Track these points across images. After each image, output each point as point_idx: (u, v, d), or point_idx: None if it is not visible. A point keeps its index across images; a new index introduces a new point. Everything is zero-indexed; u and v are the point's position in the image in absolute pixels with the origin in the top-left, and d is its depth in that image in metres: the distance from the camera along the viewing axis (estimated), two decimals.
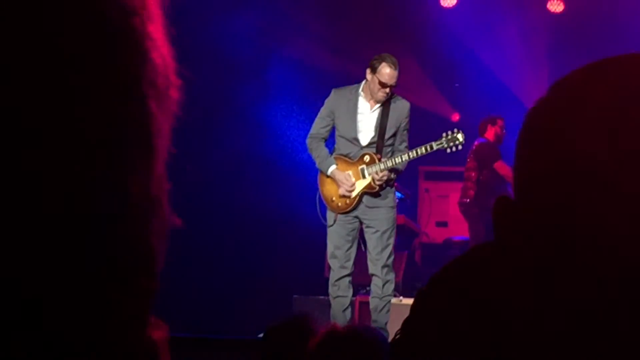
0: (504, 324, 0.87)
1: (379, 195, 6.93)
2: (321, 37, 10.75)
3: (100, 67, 0.59)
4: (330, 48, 10.74)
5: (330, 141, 7.15)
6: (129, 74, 0.61)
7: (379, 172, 6.81)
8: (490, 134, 9.61)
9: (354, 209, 6.93)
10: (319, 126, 7.06)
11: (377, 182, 6.83)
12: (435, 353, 0.91)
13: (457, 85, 11.48)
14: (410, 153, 6.85)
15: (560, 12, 11.05)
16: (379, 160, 6.85)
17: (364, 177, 6.88)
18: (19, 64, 0.57)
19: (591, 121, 0.88)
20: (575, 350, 0.85)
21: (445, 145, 6.96)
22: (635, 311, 0.83)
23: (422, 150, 6.87)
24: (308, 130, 7.23)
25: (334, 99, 6.99)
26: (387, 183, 6.92)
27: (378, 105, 6.88)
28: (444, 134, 7.00)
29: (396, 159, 6.82)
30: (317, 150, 7.04)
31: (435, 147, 6.93)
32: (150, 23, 0.63)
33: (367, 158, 6.89)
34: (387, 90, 6.75)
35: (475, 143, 9.62)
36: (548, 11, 11.06)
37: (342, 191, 6.90)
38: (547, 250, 0.87)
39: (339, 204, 6.96)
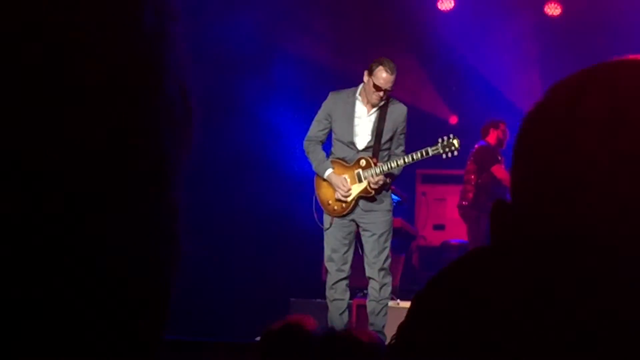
0: (501, 327, 0.87)
1: (375, 200, 6.93)
2: (321, 37, 10.75)
3: (113, 96, 0.59)
4: (330, 48, 10.74)
5: (327, 144, 7.14)
6: (142, 105, 0.60)
7: (374, 176, 6.80)
8: (492, 137, 9.62)
9: (350, 212, 6.94)
10: (316, 129, 7.06)
11: (373, 186, 6.83)
12: (432, 356, 0.91)
13: (454, 88, 11.49)
14: (405, 158, 6.85)
15: (558, 16, 11.06)
16: (375, 164, 6.85)
17: (360, 181, 6.88)
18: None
19: (588, 124, 0.88)
20: (575, 352, 0.85)
21: (441, 151, 6.96)
22: (636, 310, 0.83)
23: (417, 155, 6.87)
24: (305, 127, 7.24)
25: (331, 102, 6.99)
26: (383, 187, 6.91)
27: (375, 109, 6.88)
28: (440, 140, 6.99)
29: (392, 164, 6.82)
30: (313, 153, 7.04)
31: (431, 153, 6.92)
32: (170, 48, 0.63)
33: (363, 162, 6.89)
34: (382, 94, 6.75)
35: (476, 146, 9.63)
36: (545, 14, 11.07)
37: (338, 195, 6.90)
38: (544, 254, 0.87)
39: (335, 208, 6.96)
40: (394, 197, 7.30)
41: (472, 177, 9.60)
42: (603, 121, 0.87)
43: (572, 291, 0.85)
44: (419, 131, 7.67)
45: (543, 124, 0.93)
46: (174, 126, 0.63)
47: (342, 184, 6.87)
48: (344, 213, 6.93)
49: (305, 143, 7.11)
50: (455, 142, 6.98)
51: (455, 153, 7.03)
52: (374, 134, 6.88)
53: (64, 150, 0.56)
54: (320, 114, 7.05)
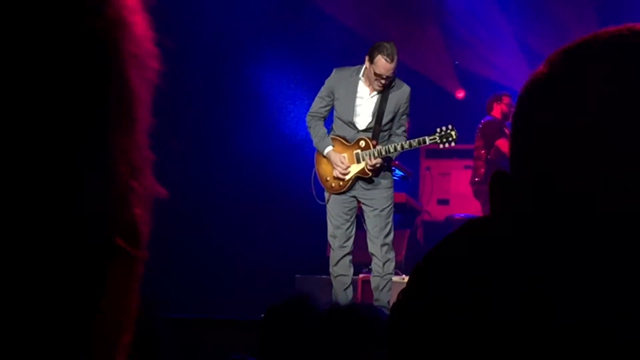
0: (498, 299, 0.86)
1: (374, 179, 6.95)
2: (342, 6, 10.70)
3: (80, 38, 0.58)
4: (352, 19, 10.68)
5: (329, 119, 7.14)
6: (109, 42, 0.60)
7: (372, 159, 6.80)
8: (496, 111, 9.62)
9: (349, 190, 6.96)
10: (318, 105, 7.05)
11: (370, 168, 6.84)
12: (430, 329, 0.90)
13: (456, 62, 11.46)
14: (404, 144, 6.84)
15: None
16: (374, 146, 6.84)
17: (358, 161, 6.90)
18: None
19: (589, 93, 0.87)
20: (573, 329, 0.84)
21: (438, 141, 6.96)
22: (635, 283, 0.82)
23: (415, 142, 6.87)
24: (308, 107, 7.24)
25: (335, 79, 6.97)
26: (380, 170, 6.92)
27: (377, 94, 6.86)
28: (438, 129, 6.98)
29: (390, 148, 6.81)
30: (315, 128, 7.05)
31: (428, 142, 6.94)
32: None
33: (362, 143, 6.89)
34: (383, 81, 6.72)
35: (482, 121, 9.64)
36: None
37: (336, 173, 6.93)
38: (541, 225, 0.86)
39: (333, 185, 6.99)
40: (398, 172, 7.30)
41: (482, 152, 9.60)
42: (605, 89, 0.86)
43: (571, 266, 0.84)
44: (425, 104, 7.65)
45: (542, 93, 0.91)
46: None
47: (340, 162, 6.89)
48: (341, 191, 6.96)
49: (307, 118, 7.13)
50: (453, 133, 6.96)
51: (453, 144, 7.04)
52: (375, 115, 6.86)
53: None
54: (323, 91, 7.03)
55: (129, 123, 0.61)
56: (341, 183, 6.96)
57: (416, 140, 6.87)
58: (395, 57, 6.64)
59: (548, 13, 10.84)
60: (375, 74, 6.68)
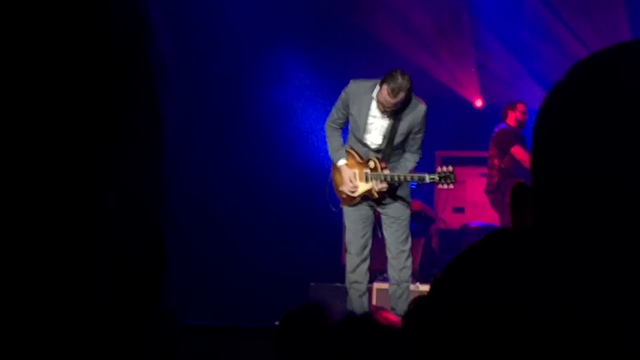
0: (520, 311, 0.86)
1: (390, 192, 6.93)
2: (368, 16, 10.71)
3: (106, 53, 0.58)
4: (378, 28, 10.69)
5: (345, 129, 7.14)
6: (135, 55, 0.60)
7: (378, 184, 6.78)
8: (511, 119, 9.58)
9: (359, 204, 6.96)
10: (335, 115, 7.03)
11: (376, 192, 6.82)
12: (452, 338, 0.89)
13: (473, 70, 11.44)
14: (407, 175, 6.79)
15: None
16: (382, 169, 6.81)
17: (367, 181, 6.87)
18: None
19: (611, 104, 0.86)
20: (597, 332, 0.83)
21: (437, 181, 6.90)
22: None
23: (416, 177, 6.84)
24: (324, 113, 7.25)
25: (351, 91, 6.85)
26: (388, 194, 6.89)
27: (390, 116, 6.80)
28: (439, 169, 6.94)
29: (395, 177, 6.76)
30: (331, 137, 7.05)
31: (427, 180, 6.89)
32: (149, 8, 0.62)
33: (372, 164, 6.86)
34: (383, 108, 6.64)
35: (495, 130, 9.60)
36: None
37: (344, 189, 6.92)
38: (564, 236, 0.86)
39: (344, 196, 7.00)
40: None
41: (495, 161, 9.56)
42: (627, 101, 0.85)
43: (593, 275, 0.83)
44: (440, 112, 7.63)
45: (564, 104, 0.91)
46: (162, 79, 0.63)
47: (350, 180, 6.88)
48: (352, 204, 6.97)
49: (325, 126, 7.12)
50: (452, 176, 6.89)
51: (451, 186, 6.98)
52: (387, 137, 6.79)
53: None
54: (339, 103, 6.95)
55: (157, 140, 0.62)
56: (352, 195, 6.96)
57: (417, 175, 6.84)
58: (401, 94, 6.49)
59: (572, 23, 10.80)
60: (381, 103, 6.63)
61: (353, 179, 6.87)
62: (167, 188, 0.65)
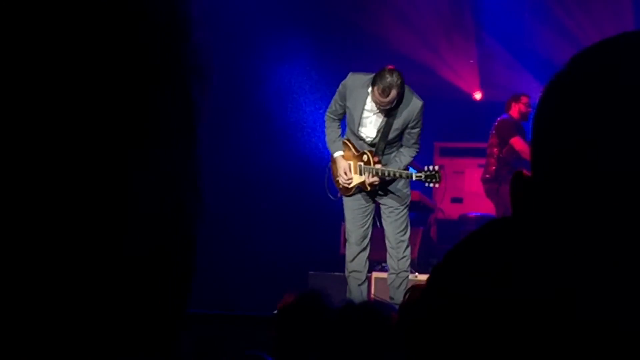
0: (518, 300, 0.87)
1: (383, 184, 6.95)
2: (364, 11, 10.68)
3: (142, 49, 0.59)
4: (376, 24, 10.66)
5: (343, 122, 7.16)
6: (170, 54, 0.61)
7: (370, 177, 6.79)
8: (514, 111, 9.63)
9: (354, 194, 6.98)
10: (333, 107, 7.05)
11: (369, 185, 6.83)
12: (452, 327, 0.90)
13: (471, 61, 11.44)
14: (396, 171, 6.78)
15: None
16: (374, 163, 6.81)
17: (360, 173, 6.89)
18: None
19: (611, 95, 0.87)
20: (596, 328, 0.84)
21: (423, 179, 6.91)
22: None
23: (404, 174, 6.83)
24: (323, 104, 7.27)
25: (348, 85, 6.83)
26: (381, 188, 6.90)
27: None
28: (426, 168, 6.97)
29: (386, 172, 6.77)
30: (329, 129, 7.08)
31: (414, 178, 6.91)
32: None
33: (365, 158, 6.88)
34: (378, 107, 6.65)
35: (498, 119, 9.65)
36: None
37: (340, 180, 6.94)
38: (563, 228, 0.86)
39: (340, 187, 7.03)
40: (411, 169, 7.29)
41: (495, 150, 9.62)
42: (626, 92, 0.86)
43: (591, 266, 0.84)
44: (441, 108, 7.64)
45: (563, 95, 0.91)
46: (198, 77, 0.63)
47: (344, 172, 6.89)
48: (348, 194, 6.99)
49: (325, 117, 7.15)
50: (438, 175, 6.90)
51: (437, 185, 6.99)
52: (381, 132, 6.79)
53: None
54: (337, 95, 6.97)
55: (190, 135, 0.62)
56: (346, 189, 7.00)
57: (405, 172, 6.84)
58: (393, 92, 6.46)
59: (575, 16, 10.78)
60: (375, 101, 6.63)
61: (347, 172, 6.89)
62: (201, 188, 0.65)
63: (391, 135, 6.77)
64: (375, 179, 6.78)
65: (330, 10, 10.66)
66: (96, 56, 0.57)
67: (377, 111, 6.73)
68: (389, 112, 6.69)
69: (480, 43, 11.20)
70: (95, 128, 0.56)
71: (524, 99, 9.64)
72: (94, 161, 0.56)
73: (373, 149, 6.84)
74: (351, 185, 6.93)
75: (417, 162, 9.24)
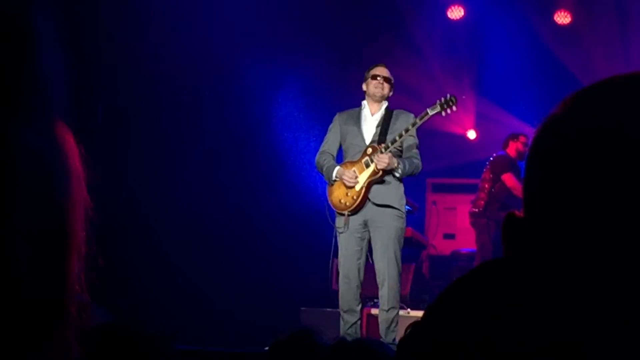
0: (513, 340, 0.86)
1: (386, 190, 6.94)
2: (329, 47, 10.74)
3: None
4: (336, 58, 10.71)
5: (339, 158, 7.21)
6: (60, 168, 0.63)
7: (379, 158, 6.87)
8: (511, 149, 9.73)
9: (362, 205, 6.94)
10: (327, 144, 7.21)
11: (380, 166, 6.84)
12: None
13: (464, 97, 11.50)
14: (408, 126, 6.92)
15: (568, 24, 11.04)
16: (380, 146, 6.95)
17: (367, 167, 6.96)
18: None
19: (600, 140, 0.87)
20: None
21: (440, 109, 7.00)
22: None
23: (419, 120, 6.96)
24: (314, 141, 7.31)
25: (338, 118, 7.21)
26: (391, 167, 6.90)
27: (379, 110, 7.08)
28: (438, 100, 7.03)
29: (394, 139, 6.90)
30: (324, 162, 7.13)
31: (430, 113, 6.99)
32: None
33: (369, 150, 7.02)
34: (379, 79, 7.03)
35: (494, 155, 9.73)
36: (555, 23, 11.05)
37: (347, 182, 6.96)
38: (555, 266, 0.86)
39: (347, 203, 7.01)
40: (407, 207, 7.31)
41: (487, 185, 9.68)
42: (619, 137, 0.86)
43: (585, 304, 0.84)
44: (434, 144, 7.67)
45: (556, 135, 0.92)
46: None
47: (349, 175, 6.97)
48: (356, 204, 6.95)
49: (316, 158, 7.24)
50: (454, 98, 7.03)
51: (454, 108, 7.04)
52: (379, 129, 7.02)
53: None
54: (329, 131, 7.26)
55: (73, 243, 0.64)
56: (354, 195, 6.97)
57: (419, 117, 6.96)
58: (384, 69, 7.12)
59: (569, 57, 10.87)
60: (371, 77, 7.05)
61: (352, 173, 6.97)
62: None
63: (390, 135, 6.96)
64: (384, 156, 6.82)
65: (336, 45, 10.73)
66: None
67: (373, 116, 7.08)
68: (384, 119, 7.02)
69: (475, 83, 11.26)
70: None
71: (522, 139, 9.75)
72: None
73: (374, 143, 7.01)
74: (359, 185, 6.95)
75: (410, 197, 9.26)
